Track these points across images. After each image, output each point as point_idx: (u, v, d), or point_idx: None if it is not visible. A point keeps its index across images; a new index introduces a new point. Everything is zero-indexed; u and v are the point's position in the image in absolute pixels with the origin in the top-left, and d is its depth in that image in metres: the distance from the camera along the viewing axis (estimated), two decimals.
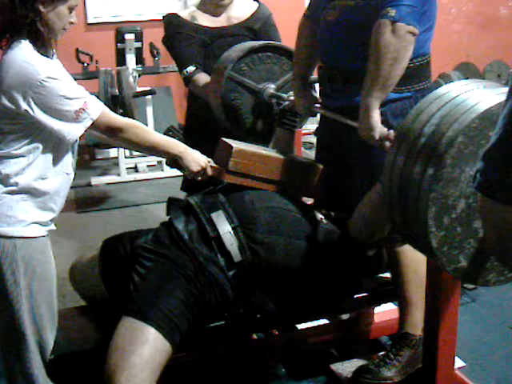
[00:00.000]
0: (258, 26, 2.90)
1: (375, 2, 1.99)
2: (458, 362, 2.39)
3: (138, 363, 1.70)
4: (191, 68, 2.83)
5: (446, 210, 1.44)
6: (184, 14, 2.91)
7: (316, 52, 2.35)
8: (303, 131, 3.68)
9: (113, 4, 6.08)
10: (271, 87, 2.60)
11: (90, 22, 6.08)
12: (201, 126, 2.90)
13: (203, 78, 2.79)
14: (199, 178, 2.11)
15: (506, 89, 1.41)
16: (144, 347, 1.73)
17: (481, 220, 0.88)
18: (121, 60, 5.24)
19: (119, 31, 5.30)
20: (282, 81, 2.62)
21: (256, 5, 2.97)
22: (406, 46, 1.92)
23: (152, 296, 1.83)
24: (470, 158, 1.40)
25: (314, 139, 6.45)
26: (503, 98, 1.39)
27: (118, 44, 5.28)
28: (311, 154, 5.36)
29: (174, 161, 2.05)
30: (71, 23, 1.84)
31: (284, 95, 2.52)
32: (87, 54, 5.43)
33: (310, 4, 2.37)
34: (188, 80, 2.84)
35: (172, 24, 2.93)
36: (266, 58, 2.61)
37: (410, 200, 1.50)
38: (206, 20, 2.89)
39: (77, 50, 5.41)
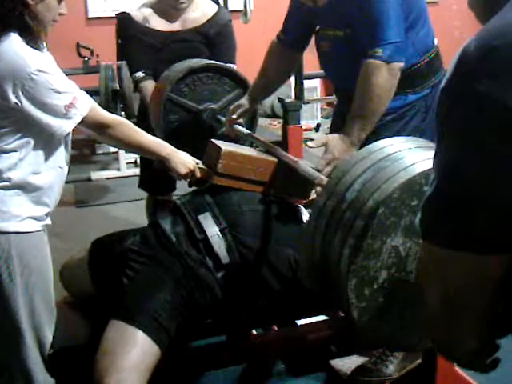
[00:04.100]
0: (213, 33, 2.84)
1: (360, 32, 2.03)
2: None
3: (126, 367, 1.70)
4: (140, 74, 2.82)
5: (366, 281, 1.39)
6: (136, 15, 2.84)
7: (279, 77, 2.39)
8: (304, 127, 3.66)
9: None
10: (212, 108, 2.55)
11: (90, 16, 6.08)
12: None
13: (150, 86, 2.78)
14: (188, 181, 2.10)
15: None
16: (133, 351, 1.73)
17: (427, 283, 0.85)
18: (122, 55, 5.22)
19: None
20: (223, 101, 2.58)
21: (215, 9, 2.90)
22: (395, 83, 2.00)
23: (140, 299, 1.82)
24: (391, 229, 1.35)
25: (314, 135, 6.45)
26: (429, 165, 1.33)
27: (119, 39, 5.26)
28: (312, 151, 5.34)
29: (161, 162, 2.03)
30: (61, 14, 1.82)
31: (223, 118, 2.49)
32: (88, 49, 5.42)
33: (284, 27, 2.36)
34: (136, 85, 2.84)
35: (123, 25, 2.90)
36: (207, 78, 2.56)
37: (330, 268, 1.45)
38: (158, 23, 2.83)
39: (77, 44, 5.41)
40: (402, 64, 1.99)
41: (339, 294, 1.45)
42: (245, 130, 2.42)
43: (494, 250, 0.75)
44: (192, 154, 2.11)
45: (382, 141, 1.51)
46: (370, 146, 1.52)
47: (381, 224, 1.35)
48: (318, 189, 1.83)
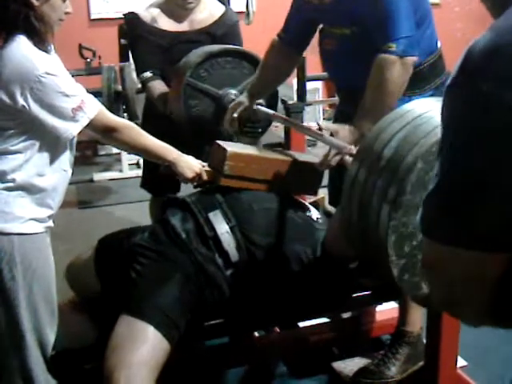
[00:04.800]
0: (220, 33, 2.84)
1: (372, 28, 2.03)
2: (460, 362, 2.38)
3: (136, 362, 1.69)
4: (147, 74, 2.80)
5: (406, 237, 1.40)
6: (144, 15, 2.84)
7: (278, 75, 2.42)
8: None
9: (116, 0, 6.07)
10: (232, 93, 2.56)
11: (93, 17, 6.08)
12: (156, 122, 2.83)
13: (157, 85, 2.77)
14: (195, 184, 2.10)
15: None
16: (143, 346, 1.72)
17: (430, 275, 0.85)
18: (124, 56, 5.23)
19: (122, 27, 5.28)
20: (243, 85, 2.58)
21: (222, 10, 2.89)
22: (407, 78, 2.00)
23: (150, 294, 1.82)
24: (430, 183, 1.34)
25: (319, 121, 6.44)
26: None
27: (122, 40, 5.26)
28: (315, 152, 5.35)
29: (168, 167, 2.03)
30: (67, 13, 1.82)
31: None
32: (90, 50, 5.42)
33: (286, 26, 2.36)
34: (143, 85, 2.83)
35: (131, 25, 2.89)
36: (226, 62, 2.57)
37: (369, 227, 1.46)
38: (166, 23, 2.82)
39: (80, 45, 5.41)
40: (415, 58, 1.99)
41: (378, 254, 1.44)
42: (268, 110, 2.41)
43: (495, 249, 0.75)
44: (213, 138, 2.10)
45: (410, 103, 1.54)
46: (401, 107, 1.54)
47: (419, 179, 1.35)
48: (347, 158, 1.85)
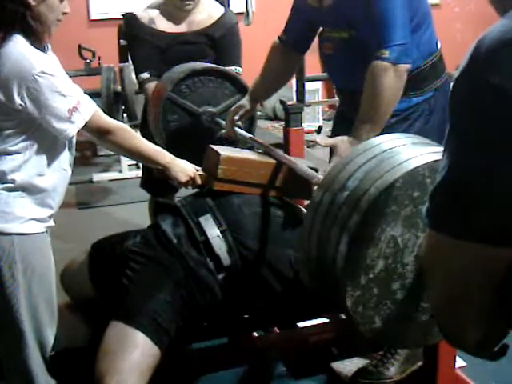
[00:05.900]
0: (219, 35, 2.83)
1: (369, 32, 2.02)
2: (459, 362, 2.38)
3: (127, 368, 1.70)
4: (145, 75, 2.81)
5: (363, 270, 1.39)
6: (143, 16, 2.84)
7: (280, 78, 2.43)
8: (306, 129, 3.67)
9: (116, 0, 6.08)
10: (211, 111, 2.56)
11: (92, 18, 6.09)
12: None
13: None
14: (189, 188, 2.10)
15: (437, 148, 1.40)
16: (133, 352, 1.73)
17: (432, 271, 0.85)
18: (123, 57, 5.23)
19: (122, 28, 5.30)
20: (223, 106, 2.58)
21: (221, 11, 2.89)
22: (402, 85, 1.99)
23: (141, 300, 1.82)
24: (391, 217, 1.36)
25: (317, 137, 6.45)
26: (432, 157, 1.37)
27: (121, 40, 5.28)
28: (314, 153, 5.35)
29: (161, 171, 2.03)
30: (65, 13, 1.82)
31: (223, 122, 2.49)
32: (90, 51, 5.43)
33: (286, 28, 2.36)
34: (141, 86, 2.84)
35: (129, 26, 2.89)
36: (208, 81, 2.56)
37: (327, 258, 1.45)
38: (164, 24, 2.82)
39: (79, 46, 5.42)
40: (408, 66, 1.99)
41: (334, 285, 1.44)
42: (245, 133, 2.42)
43: (501, 243, 0.75)
44: (189, 155, 2.10)
45: (381, 136, 1.53)
46: (370, 140, 1.54)
47: (381, 211, 1.35)
48: (315, 188, 1.84)
